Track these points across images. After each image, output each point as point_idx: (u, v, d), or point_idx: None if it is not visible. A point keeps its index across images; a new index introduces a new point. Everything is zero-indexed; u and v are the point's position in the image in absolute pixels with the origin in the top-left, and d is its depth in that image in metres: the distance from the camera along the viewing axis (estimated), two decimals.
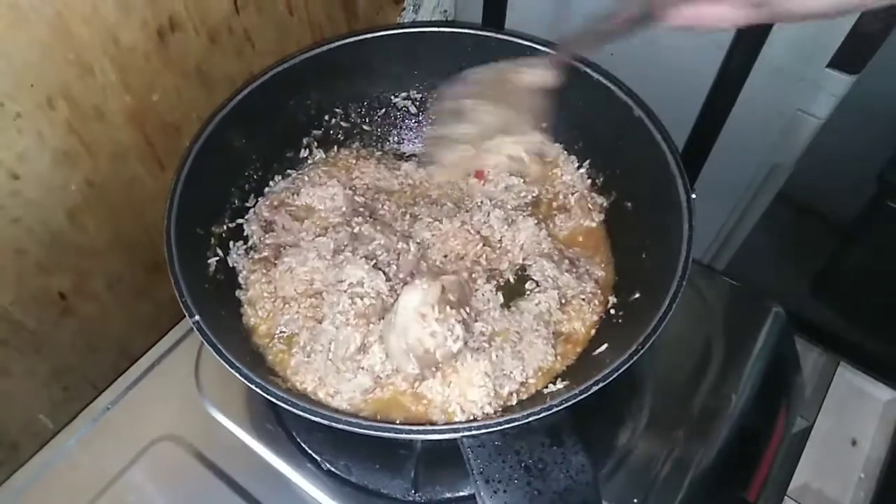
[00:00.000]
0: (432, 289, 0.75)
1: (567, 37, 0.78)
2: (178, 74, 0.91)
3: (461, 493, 0.79)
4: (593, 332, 0.84)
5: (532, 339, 0.80)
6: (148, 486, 0.80)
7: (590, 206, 0.95)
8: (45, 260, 0.86)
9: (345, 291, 0.80)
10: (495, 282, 0.86)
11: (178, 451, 0.82)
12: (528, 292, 0.86)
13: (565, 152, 0.99)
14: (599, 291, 0.87)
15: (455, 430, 0.63)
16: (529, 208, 0.95)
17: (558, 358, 0.81)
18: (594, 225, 0.95)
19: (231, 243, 0.88)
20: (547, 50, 0.89)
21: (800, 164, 1.14)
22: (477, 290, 0.84)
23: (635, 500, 0.78)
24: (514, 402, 0.76)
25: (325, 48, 0.93)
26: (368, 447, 0.82)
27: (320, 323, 0.80)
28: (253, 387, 0.64)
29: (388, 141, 1.07)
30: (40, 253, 0.85)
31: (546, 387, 0.78)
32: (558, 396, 0.64)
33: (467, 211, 0.94)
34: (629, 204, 0.91)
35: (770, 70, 1.01)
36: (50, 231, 0.85)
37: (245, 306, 0.85)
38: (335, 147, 1.03)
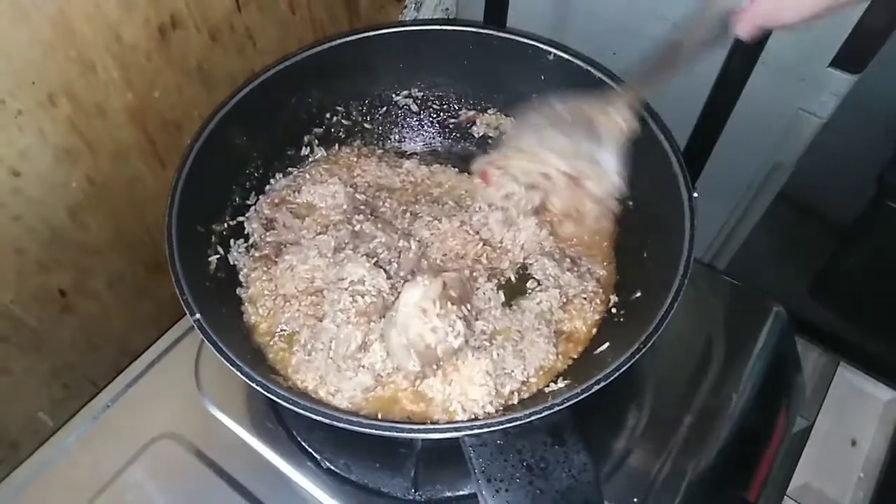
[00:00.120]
0: (434, 284, 0.75)
1: (635, 74, 0.77)
2: (179, 72, 0.91)
3: (461, 492, 0.79)
4: (595, 330, 0.84)
5: (533, 338, 0.80)
6: (148, 484, 0.80)
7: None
8: (46, 257, 0.86)
9: (346, 289, 0.80)
10: (496, 280, 0.86)
11: (178, 450, 0.82)
12: (530, 291, 0.86)
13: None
14: (601, 290, 0.87)
15: (457, 429, 0.63)
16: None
17: (560, 357, 0.81)
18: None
19: (232, 241, 0.88)
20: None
21: (800, 163, 1.13)
22: (478, 288, 0.84)
23: (635, 500, 0.78)
24: (516, 401, 0.75)
25: (326, 46, 0.93)
26: (368, 446, 0.82)
27: (321, 321, 0.80)
28: (255, 385, 0.64)
29: (390, 139, 1.06)
30: (41, 250, 0.85)
31: (547, 386, 0.77)
32: (560, 395, 0.63)
33: (466, 210, 0.94)
34: (631, 203, 0.90)
35: (772, 69, 1.01)
36: (51, 229, 0.84)
37: (246, 304, 0.84)
38: (336, 145, 1.02)
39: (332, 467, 0.80)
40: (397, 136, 1.07)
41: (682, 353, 0.92)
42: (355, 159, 1.01)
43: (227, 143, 0.87)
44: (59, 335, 0.92)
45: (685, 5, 1.02)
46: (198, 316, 0.68)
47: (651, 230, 0.83)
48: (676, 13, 1.04)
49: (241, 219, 0.90)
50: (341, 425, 0.63)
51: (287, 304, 0.83)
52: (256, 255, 0.88)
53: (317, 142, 1.00)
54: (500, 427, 0.63)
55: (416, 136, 1.07)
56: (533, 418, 0.62)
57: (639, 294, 0.81)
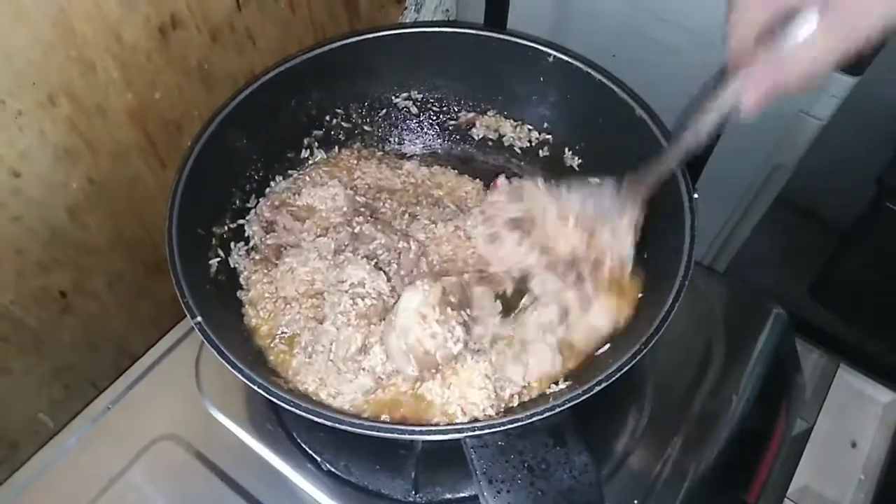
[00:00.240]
0: (433, 290, 0.75)
1: (640, 171, 0.77)
2: (179, 72, 0.91)
3: (462, 494, 0.79)
4: None
5: (536, 347, 0.79)
6: (148, 486, 0.80)
7: None
8: (46, 258, 0.85)
9: (346, 292, 0.80)
10: (493, 287, 0.85)
11: (179, 451, 0.82)
12: (524, 308, 0.83)
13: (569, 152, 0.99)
14: None
15: (458, 431, 0.63)
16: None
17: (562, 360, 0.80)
18: None
19: (232, 244, 0.88)
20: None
21: (800, 165, 1.14)
22: (477, 295, 0.84)
23: (636, 502, 0.78)
24: (516, 404, 0.75)
25: (326, 48, 0.93)
26: (369, 448, 0.82)
27: (321, 323, 0.80)
28: (256, 388, 0.64)
29: (390, 141, 1.06)
30: (41, 251, 0.84)
31: (548, 387, 0.77)
32: (561, 396, 0.63)
33: (464, 214, 0.93)
34: None
35: None
36: (51, 229, 0.84)
37: (246, 307, 0.84)
38: (336, 147, 1.02)
39: (333, 469, 0.80)
40: (397, 139, 1.07)
41: (682, 354, 0.92)
42: (355, 161, 1.01)
43: (228, 146, 0.87)
44: (59, 336, 0.92)
45: (685, 6, 1.03)
46: (199, 319, 0.68)
47: (651, 232, 0.83)
48: (676, 15, 1.04)
49: (241, 221, 0.90)
50: (344, 427, 0.63)
51: (287, 306, 0.83)
52: (257, 257, 0.88)
53: (317, 144, 1.00)
54: (502, 428, 0.63)
55: (416, 139, 1.07)
56: (534, 419, 0.62)
57: (639, 295, 0.81)
